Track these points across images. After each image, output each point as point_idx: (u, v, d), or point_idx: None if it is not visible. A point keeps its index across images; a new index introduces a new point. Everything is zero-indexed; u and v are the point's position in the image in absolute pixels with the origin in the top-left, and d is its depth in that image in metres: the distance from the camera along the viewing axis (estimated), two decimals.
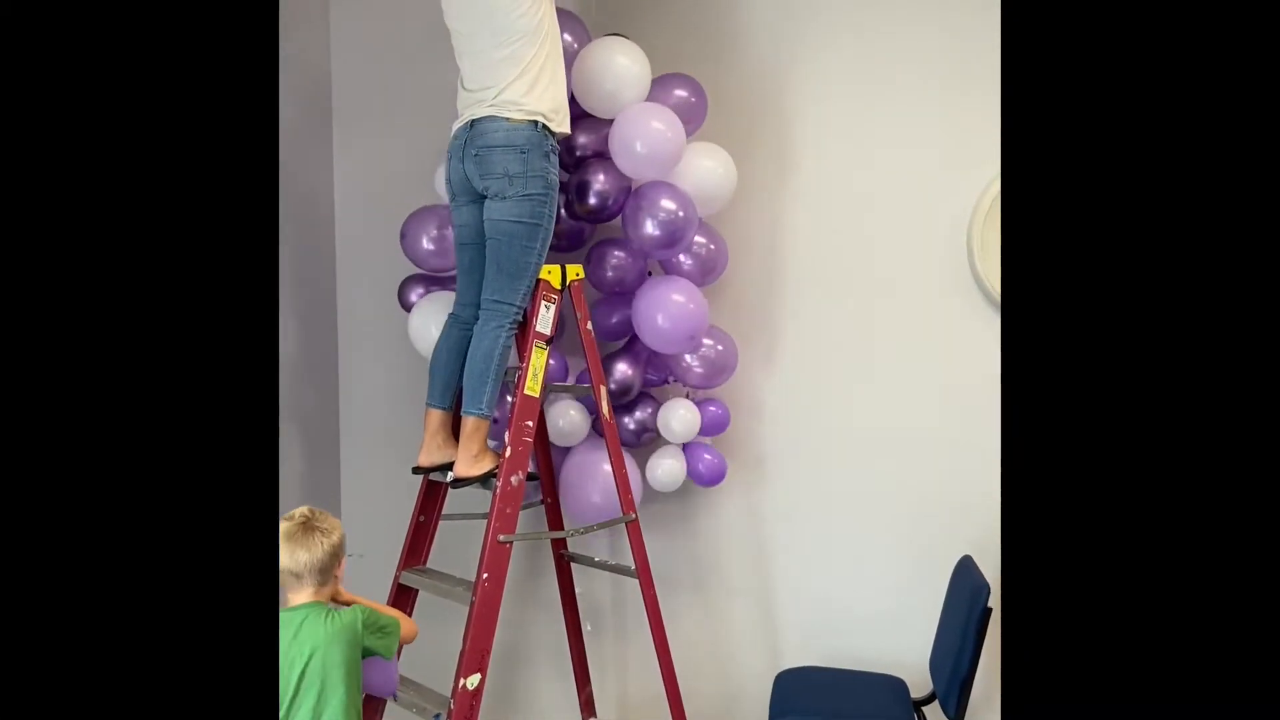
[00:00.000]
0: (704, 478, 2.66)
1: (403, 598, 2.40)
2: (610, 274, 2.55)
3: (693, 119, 2.57)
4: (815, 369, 2.83)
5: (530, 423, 2.25)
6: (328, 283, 3.06)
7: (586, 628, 2.78)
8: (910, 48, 2.72)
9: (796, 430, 2.85)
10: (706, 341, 2.57)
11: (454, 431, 2.35)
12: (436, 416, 2.35)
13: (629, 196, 2.45)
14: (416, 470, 2.38)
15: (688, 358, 2.57)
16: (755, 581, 2.89)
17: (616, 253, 2.55)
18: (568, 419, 2.58)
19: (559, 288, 2.33)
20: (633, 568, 2.45)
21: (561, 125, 2.26)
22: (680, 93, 2.56)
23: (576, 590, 2.75)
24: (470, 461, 2.25)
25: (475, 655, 2.11)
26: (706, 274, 2.59)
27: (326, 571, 1.78)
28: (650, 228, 2.39)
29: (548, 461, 2.63)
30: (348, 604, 1.88)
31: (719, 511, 2.90)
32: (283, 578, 1.76)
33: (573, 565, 2.71)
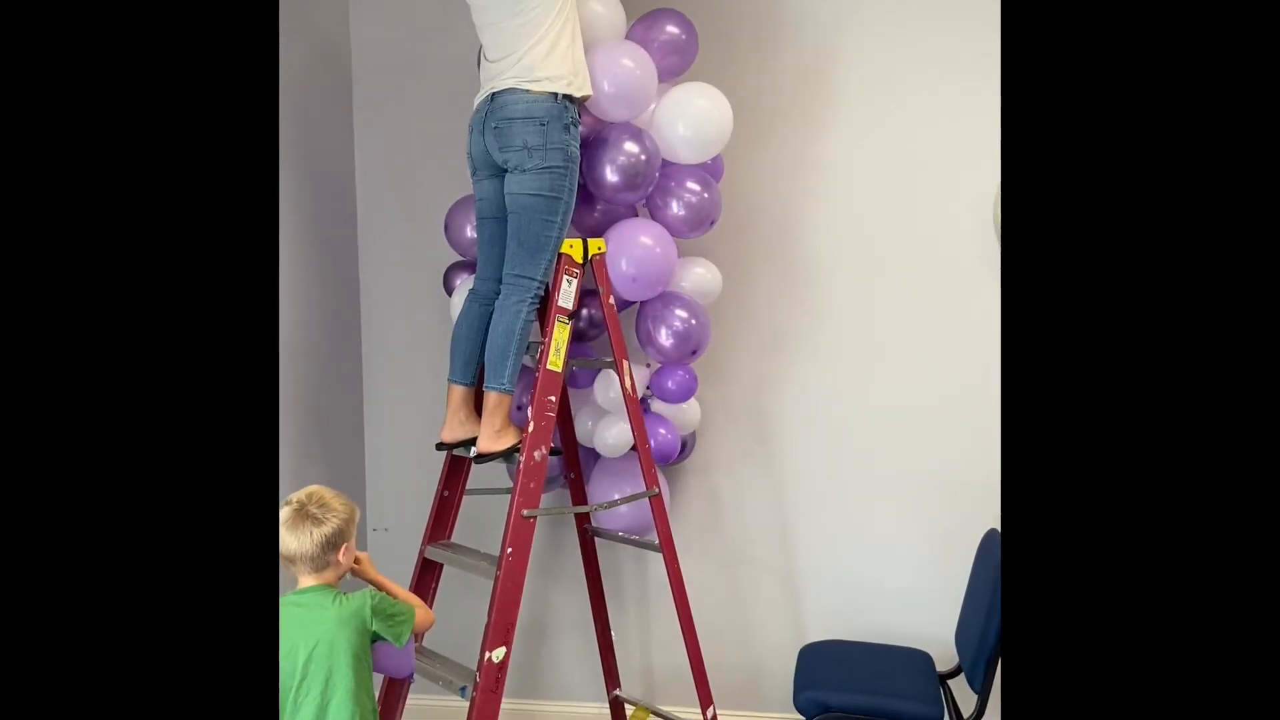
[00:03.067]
0: (656, 451, 2.53)
1: (427, 572, 2.41)
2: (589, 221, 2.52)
3: (683, 55, 2.50)
4: (839, 342, 2.81)
5: (553, 397, 2.24)
6: (350, 255, 3.06)
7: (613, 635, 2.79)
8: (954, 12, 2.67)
9: (820, 405, 2.83)
10: (680, 314, 2.47)
11: (476, 407, 2.35)
12: (458, 392, 2.35)
13: (594, 140, 2.39)
14: (440, 446, 2.38)
15: (660, 328, 2.46)
16: (780, 556, 2.89)
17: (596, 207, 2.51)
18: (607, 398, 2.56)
19: (581, 262, 2.32)
20: (657, 542, 2.45)
21: (583, 87, 2.23)
22: (671, 29, 2.47)
23: (600, 565, 2.75)
24: (493, 437, 2.25)
25: (500, 629, 2.12)
26: (697, 224, 2.48)
27: (319, 559, 1.74)
28: (610, 173, 2.33)
29: (571, 436, 2.63)
30: (371, 581, 1.89)
31: (743, 486, 2.89)
32: (283, 562, 1.75)
33: (596, 540, 2.72)
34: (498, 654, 2.11)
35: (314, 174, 2.85)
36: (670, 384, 2.54)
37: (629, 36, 2.48)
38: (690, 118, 2.41)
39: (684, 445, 2.72)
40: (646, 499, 2.44)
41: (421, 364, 3.02)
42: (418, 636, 2.10)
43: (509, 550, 2.14)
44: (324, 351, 2.89)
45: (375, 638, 1.78)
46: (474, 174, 2.34)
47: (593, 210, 2.53)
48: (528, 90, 2.18)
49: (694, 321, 2.48)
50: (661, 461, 2.58)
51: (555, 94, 2.18)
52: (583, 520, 2.70)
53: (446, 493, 2.44)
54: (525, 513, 2.17)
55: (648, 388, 2.58)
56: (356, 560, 1.87)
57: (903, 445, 2.77)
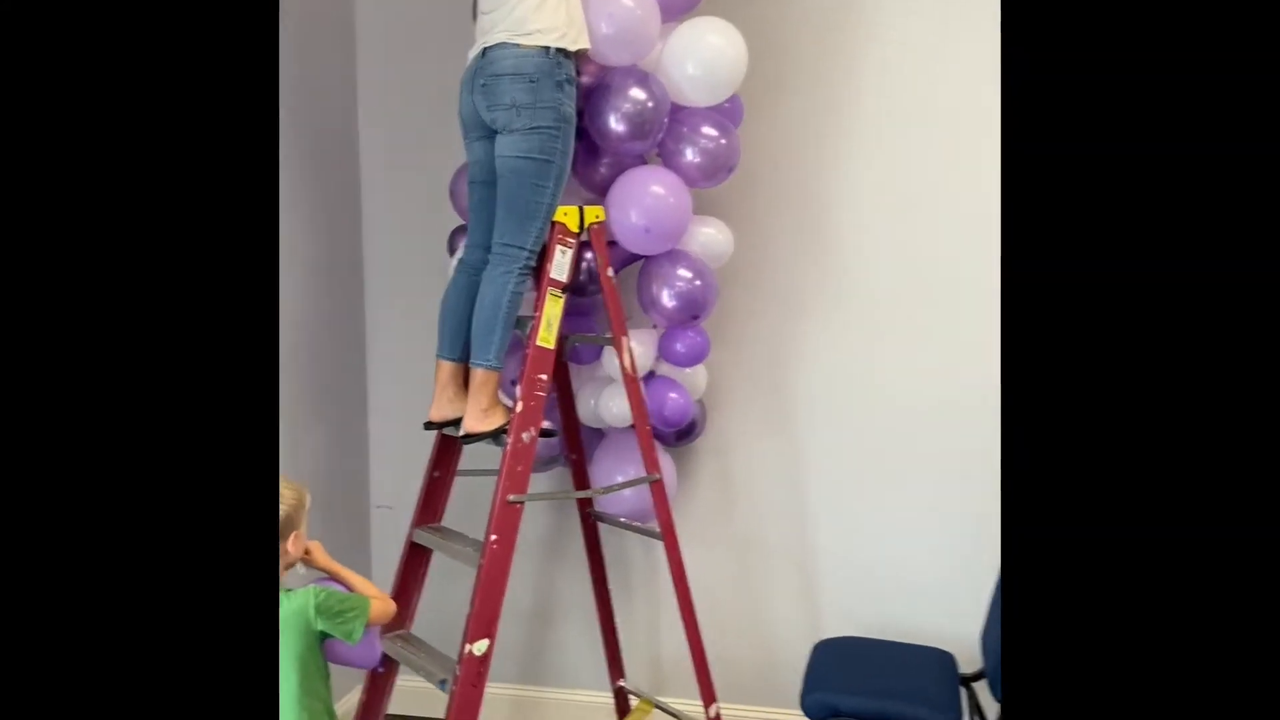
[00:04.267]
0: (666, 418, 2.39)
1: (415, 557, 2.30)
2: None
3: None
4: (864, 318, 2.62)
5: (543, 376, 2.09)
6: (352, 222, 2.94)
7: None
8: None
9: (842, 384, 2.64)
10: (684, 274, 2.31)
11: (465, 384, 2.22)
12: (447, 368, 2.22)
13: (596, 87, 2.23)
14: (428, 425, 2.26)
15: (663, 289, 2.30)
16: (796, 544, 2.72)
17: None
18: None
19: (576, 231, 2.16)
20: (658, 530, 2.31)
21: (578, 40, 2.07)
22: None
23: (606, 551, 2.62)
24: (480, 416, 2.11)
25: (483, 620, 2.00)
26: (713, 171, 2.31)
27: None
28: (614, 122, 2.17)
29: (572, 415, 2.49)
30: (325, 571, 1.77)
31: (757, 468, 2.72)
32: None
33: (599, 524, 2.58)
34: (480, 646, 1.99)
35: (315, 138, 2.72)
36: (679, 346, 2.39)
37: None
38: (700, 56, 2.24)
39: (694, 424, 2.56)
40: (647, 484, 2.29)
41: (427, 334, 2.87)
42: (383, 627, 2.00)
43: (494, 538, 2.01)
44: (324, 319, 2.78)
45: (324, 636, 1.67)
46: (465, 136, 2.20)
47: (599, 163, 2.36)
48: (518, 44, 2.03)
49: (698, 282, 2.31)
50: (674, 426, 2.43)
51: (547, 48, 2.02)
52: (584, 504, 2.56)
53: (437, 473, 2.32)
54: (511, 498, 2.04)
55: (657, 352, 2.43)
56: (307, 551, 1.75)
57: (934, 424, 2.56)
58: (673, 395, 2.41)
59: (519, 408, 2.06)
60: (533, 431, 2.08)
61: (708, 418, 2.65)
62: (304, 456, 2.67)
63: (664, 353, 2.42)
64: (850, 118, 2.58)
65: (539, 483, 2.66)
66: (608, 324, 2.25)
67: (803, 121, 2.61)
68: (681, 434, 2.56)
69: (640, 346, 2.38)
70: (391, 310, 2.97)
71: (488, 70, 2.06)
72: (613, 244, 2.33)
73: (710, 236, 2.43)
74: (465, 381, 2.21)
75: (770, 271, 2.66)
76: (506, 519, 2.04)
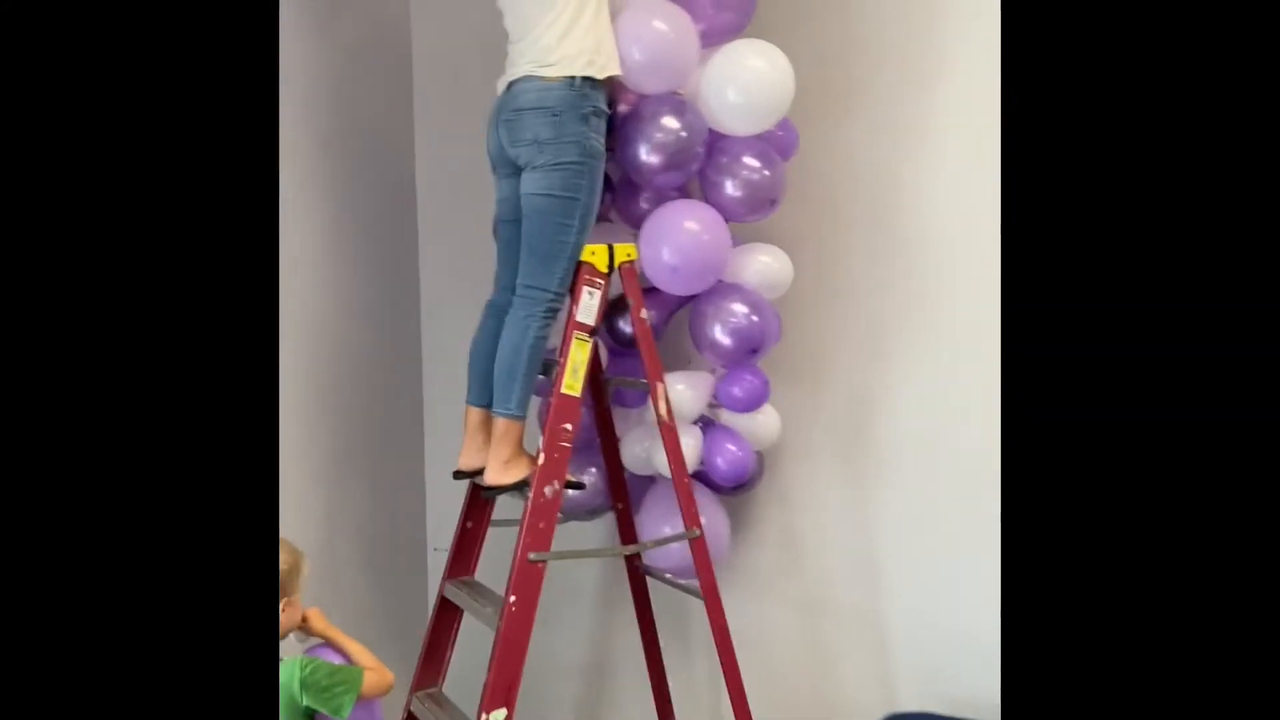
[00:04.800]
0: (721, 473, 2.22)
1: (447, 613, 2.20)
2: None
3: (739, 11, 2.15)
4: (942, 350, 2.35)
5: (568, 426, 1.97)
6: (409, 255, 2.90)
7: None
8: None
9: (924, 430, 2.38)
10: (738, 309, 2.14)
11: None
12: (475, 415, 2.12)
13: (628, 116, 2.10)
14: (458, 475, 2.16)
15: (714, 325, 2.15)
16: (868, 604, 2.48)
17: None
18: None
19: (605, 271, 2.03)
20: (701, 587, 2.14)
21: (606, 66, 1.94)
22: None
23: (660, 607, 2.46)
24: (501, 468, 2.00)
25: (500, 689, 1.88)
26: (756, 205, 2.15)
27: None
28: (645, 153, 2.03)
29: (616, 463, 2.35)
30: (324, 638, 1.69)
31: (824, 516, 2.50)
32: None
33: (648, 578, 2.43)
34: (497, 716, 1.87)
35: (371, 166, 2.69)
36: (737, 390, 2.21)
37: None
38: (741, 81, 2.07)
39: (751, 477, 2.38)
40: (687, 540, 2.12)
41: None
42: (413, 685, 1.91)
43: (512, 600, 1.89)
44: (380, 353, 2.74)
45: (310, 713, 1.58)
46: (494, 173, 2.11)
47: (638, 199, 2.23)
48: (542, 76, 1.92)
49: (755, 317, 2.15)
50: (732, 483, 2.25)
51: (572, 79, 1.91)
52: (633, 555, 2.41)
53: (469, 524, 2.22)
54: (532, 557, 1.92)
55: (713, 397, 2.26)
56: (305, 618, 1.67)
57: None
58: (730, 447, 2.24)
59: (541, 459, 1.94)
60: (556, 485, 1.95)
61: (773, 465, 2.46)
62: (360, 498, 2.63)
63: (721, 398, 2.25)
64: (928, 131, 2.34)
65: (586, 532, 2.53)
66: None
67: (871, 141, 2.40)
68: (738, 485, 2.38)
69: (692, 391, 2.22)
70: (447, 350, 2.90)
71: (511, 105, 1.97)
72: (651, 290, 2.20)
73: (766, 265, 2.25)
74: None
75: (844, 304, 2.45)
76: (527, 579, 1.91)
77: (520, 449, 2.02)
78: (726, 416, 2.28)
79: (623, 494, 2.37)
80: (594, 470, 2.35)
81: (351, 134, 2.57)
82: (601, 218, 2.34)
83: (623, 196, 2.29)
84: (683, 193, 2.23)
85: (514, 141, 1.96)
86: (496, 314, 2.08)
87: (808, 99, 2.31)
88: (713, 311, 2.16)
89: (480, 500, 2.21)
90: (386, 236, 2.77)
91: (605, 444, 2.33)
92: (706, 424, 2.29)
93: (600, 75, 1.94)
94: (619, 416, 2.38)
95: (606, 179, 2.30)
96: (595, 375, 2.27)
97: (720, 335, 2.15)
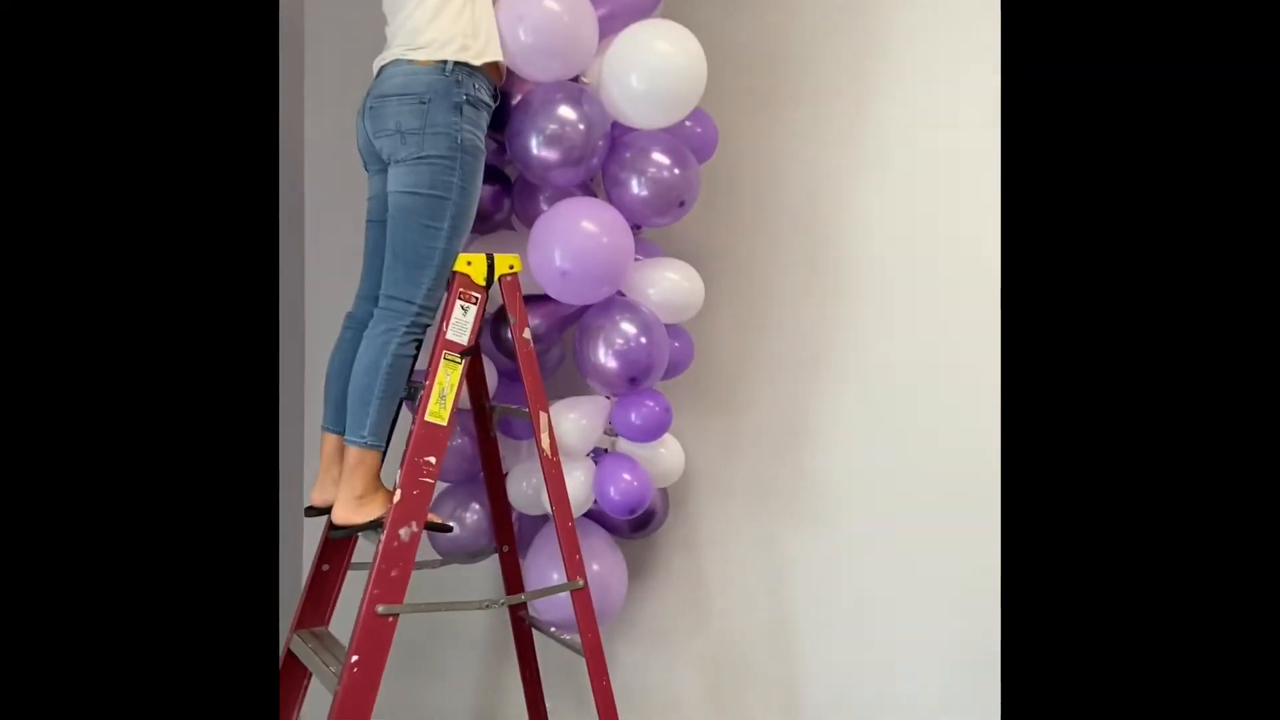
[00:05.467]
0: (615, 504, 1.96)
1: (295, 671, 1.91)
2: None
3: None
4: (874, 380, 2.12)
5: (432, 459, 1.71)
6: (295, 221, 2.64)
7: None
8: None
9: (847, 461, 2.15)
10: (627, 328, 1.89)
11: None
12: (331, 442, 1.86)
13: (517, 105, 1.88)
14: (310, 511, 1.89)
15: (598, 345, 1.91)
16: (780, 668, 2.23)
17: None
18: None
19: (483, 283, 1.78)
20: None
21: (485, 51, 1.72)
22: None
23: (546, 658, 2.20)
24: (353, 504, 1.74)
25: None
26: (663, 207, 1.92)
27: None
28: (536, 146, 1.81)
29: (501, 501, 2.09)
30: None
31: (735, 564, 2.26)
32: None
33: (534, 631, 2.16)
34: None
35: None
36: (634, 416, 1.96)
37: None
38: (646, 67, 1.85)
39: (652, 513, 2.14)
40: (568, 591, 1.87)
41: None
42: None
43: (354, 660, 1.63)
44: None
45: None
46: (366, 169, 1.87)
47: (538, 199, 2.01)
48: (410, 60, 1.70)
49: (643, 339, 1.90)
50: (627, 515, 1.99)
51: (444, 62, 1.68)
52: (519, 604, 2.15)
53: (325, 567, 1.95)
54: (380, 609, 1.65)
55: (609, 423, 2.02)
56: None
57: (961, 523, 2.01)
58: (625, 476, 1.99)
59: (398, 497, 1.68)
60: (414, 527, 1.69)
61: (681, 504, 2.22)
62: None
63: (617, 425, 2.01)
64: (864, 134, 2.12)
65: (474, 575, 2.26)
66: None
67: (801, 143, 2.18)
68: (638, 524, 2.14)
69: (586, 420, 1.99)
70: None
71: (377, 91, 1.74)
72: (544, 298, 1.95)
73: (673, 284, 2.01)
74: None
75: (766, 326, 2.22)
76: (375, 635, 1.65)
77: (376, 483, 1.76)
78: (624, 445, 2.04)
79: (509, 535, 2.11)
80: (476, 507, 2.10)
81: None
82: (501, 225, 2.12)
83: (521, 198, 2.06)
84: (585, 192, 2.00)
85: (377, 131, 1.72)
86: (356, 328, 1.83)
87: (729, 94, 2.10)
88: (597, 329, 1.91)
89: (340, 541, 1.94)
90: None
91: (490, 479, 2.07)
92: (600, 455, 2.04)
93: (476, 61, 1.71)
94: (509, 449, 2.13)
95: (504, 179, 2.08)
96: (480, 402, 2.02)
97: (603, 357, 1.90)
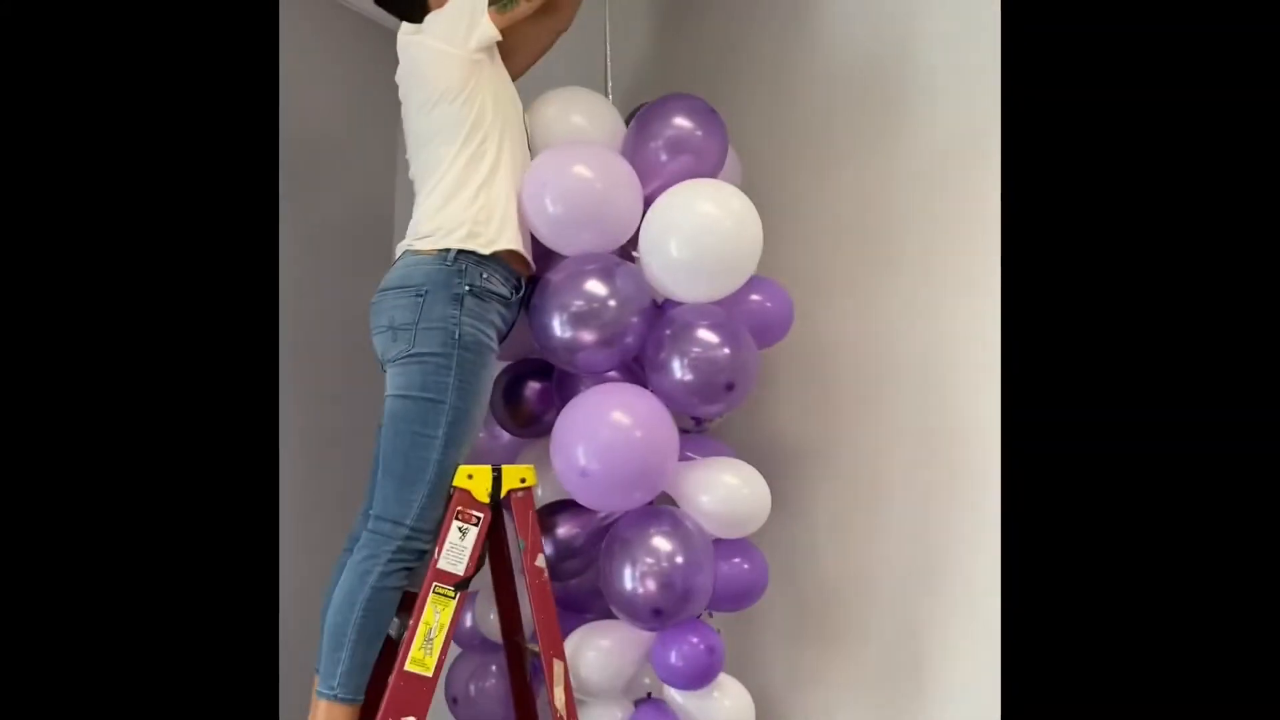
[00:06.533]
0: None
1: None
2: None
3: (700, 155, 1.67)
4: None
5: None
6: None
7: None
8: None
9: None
10: (659, 545, 1.53)
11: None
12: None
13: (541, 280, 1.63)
14: None
15: (624, 572, 1.53)
16: None
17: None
18: None
19: (485, 500, 1.49)
20: None
21: (497, 240, 1.51)
22: (678, 121, 1.66)
23: None
24: None
25: None
26: (710, 394, 1.56)
27: None
28: (558, 325, 1.54)
29: None
30: None
31: None
32: None
33: None
34: None
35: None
36: (674, 658, 1.57)
37: (625, 147, 1.71)
38: (685, 231, 1.56)
39: None
40: None
41: None
42: None
43: None
44: None
45: None
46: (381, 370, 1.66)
47: (579, 389, 1.71)
48: (415, 250, 1.52)
49: (677, 560, 1.52)
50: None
51: (446, 251, 1.47)
52: None
53: None
54: None
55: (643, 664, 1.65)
56: None
57: None
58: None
59: None
60: None
61: None
62: None
63: (655, 663, 1.62)
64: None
65: None
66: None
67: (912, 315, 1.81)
68: None
69: (618, 656, 1.61)
70: None
71: (380, 285, 1.54)
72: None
73: (730, 490, 1.63)
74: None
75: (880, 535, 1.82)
76: None
77: None
78: (670, 692, 1.64)
79: None
80: None
81: None
82: (544, 432, 1.82)
83: (562, 389, 1.78)
84: (630, 378, 1.69)
85: (374, 328, 1.52)
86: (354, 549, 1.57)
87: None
88: (623, 543, 1.56)
89: None
90: None
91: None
92: (643, 704, 1.66)
93: (486, 249, 1.48)
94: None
95: (547, 370, 1.82)
96: (513, 638, 1.70)
97: (627, 580, 1.53)
